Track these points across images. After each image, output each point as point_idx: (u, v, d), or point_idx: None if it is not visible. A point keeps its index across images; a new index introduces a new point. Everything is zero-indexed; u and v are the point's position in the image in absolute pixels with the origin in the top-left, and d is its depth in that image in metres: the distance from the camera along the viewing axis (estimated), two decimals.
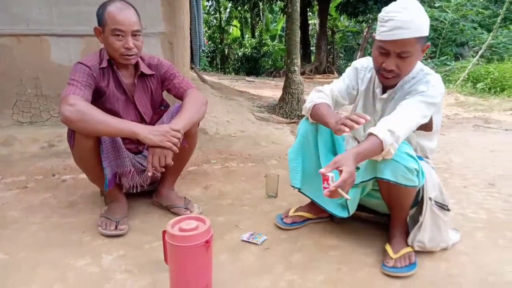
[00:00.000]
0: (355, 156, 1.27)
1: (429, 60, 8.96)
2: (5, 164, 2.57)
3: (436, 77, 1.46)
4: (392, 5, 1.35)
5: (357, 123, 1.32)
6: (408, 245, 1.51)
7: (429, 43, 1.42)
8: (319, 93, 1.64)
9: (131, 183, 1.77)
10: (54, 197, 2.09)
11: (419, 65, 1.49)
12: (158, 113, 1.92)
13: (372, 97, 1.60)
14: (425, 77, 1.44)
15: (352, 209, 1.58)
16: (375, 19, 15.05)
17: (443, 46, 9.19)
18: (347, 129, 1.33)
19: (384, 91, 1.55)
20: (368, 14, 12.77)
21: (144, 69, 1.77)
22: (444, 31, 9.03)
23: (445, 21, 8.85)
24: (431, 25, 9.08)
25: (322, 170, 1.27)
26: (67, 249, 1.57)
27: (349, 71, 1.67)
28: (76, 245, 1.61)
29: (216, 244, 1.57)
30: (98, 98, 1.70)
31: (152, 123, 1.89)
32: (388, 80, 1.45)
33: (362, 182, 1.48)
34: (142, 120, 1.83)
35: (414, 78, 1.47)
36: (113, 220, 1.71)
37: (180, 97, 1.84)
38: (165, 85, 1.87)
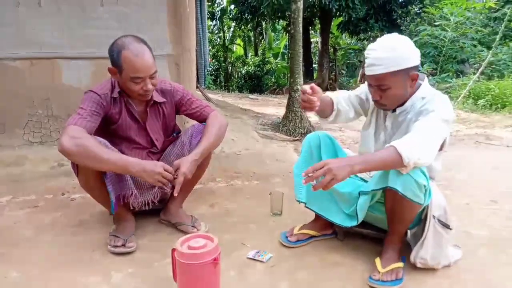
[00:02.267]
0: (350, 162, 1.36)
1: (430, 77, 9.05)
2: (16, 184, 2.63)
3: (445, 97, 1.52)
4: (375, 42, 1.49)
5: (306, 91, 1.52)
6: (399, 262, 1.54)
7: (415, 72, 1.47)
8: (335, 92, 1.82)
9: (140, 201, 1.82)
10: (64, 216, 2.15)
11: (427, 86, 1.56)
12: (170, 140, 1.99)
13: (383, 113, 1.67)
14: (434, 97, 1.50)
15: (361, 216, 1.60)
16: (377, 37, 15.30)
17: (444, 63, 9.29)
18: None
19: (394, 108, 1.61)
20: (369, 32, 13.00)
21: (156, 97, 1.83)
22: (444, 49, 9.15)
23: (445, 39, 8.98)
24: (431, 43, 9.31)
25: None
26: (77, 267, 1.61)
27: (362, 88, 1.78)
28: (86, 263, 1.65)
29: (223, 261, 1.60)
30: (111, 124, 1.77)
31: (164, 148, 1.96)
32: (381, 107, 1.58)
33: (373, 190, 1.52)
34: (153, 146, 1.90)
35: (424, 98, 1.53)
36: (122, 238, 1.75)
37: (201, 121, 1.92)
38: (182, 110, 1.93)
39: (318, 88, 1.56)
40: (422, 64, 9.47)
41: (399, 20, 11.10)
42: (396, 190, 1.40)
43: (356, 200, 1.61)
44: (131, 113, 1.81)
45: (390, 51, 1.43)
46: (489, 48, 8.55)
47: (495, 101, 6.78)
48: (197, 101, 1.95)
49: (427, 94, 1.53)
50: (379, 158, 1.37)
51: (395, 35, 1.49)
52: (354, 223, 1.64)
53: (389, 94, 1.49)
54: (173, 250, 1.31)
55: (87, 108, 1.65)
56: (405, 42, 1.46)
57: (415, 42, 10.25)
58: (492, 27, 9.94)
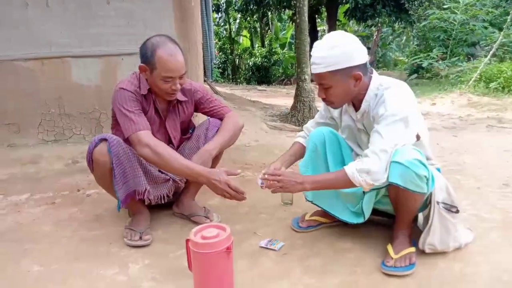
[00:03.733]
0: (302, 181, 1.53)
1: (440, 62, 8.91)
2: (33, 181, 2.71)
3: (393, 91, 1.47)
4: (321, 39, 1.51)
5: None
6: (410, 246, 1.55)
7: (358, 72, 1.46)
8: (302, 132, 1.92)
9: (155, 195, 1.87)
10: (81, 211, 2.21)
11: (378, 80, 1.54)
12: (186, 137, 2.04)
13: (351, 118, 1.69)
14: (382, 96, 1.48)
15: (367, 214, 1.64)
16: (384, 23, 15.09)
17: (454, 47, 9.12)
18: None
19: (356, 109, 1.64)
20: (377, 18, 12.81)
21: (179, 96, 1.88)
22: (454, 32, 8.98)
23: (454, 22, 8.81)
24: (441, 27, 9.13)
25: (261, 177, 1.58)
26: (96, 260, 1.66)
27: (323, 104, 1.80)
28: (104, 256, 1.71)
29: (235, 251, 1.63)
30: None
31: (178, 144, 2.02)
32: (329, 105, 1.62)
33: (377, 187, 1.53)
34: (170, 143, 1.95)
35: (377, 95, 1.52)
36: (138, 231, 1.80)
37: (218, 119, 1.98)
38: (200, 108, 1.99)
39: (277, 167, 1.71)
40: (432, 48, 9.33)
41: (407, 5, 10.90)
42: (397, 184, 1.41)
43: (361, 198, 1.64)
44: (156, 110, 1.86)
45: (329, 50, 1.44)
46: (500, 29, 8.35)
47: (507, 83, 6.65)
48: (216, 100, 2.01)
49: (379, 90, 1.51)
50: (329, 180, 1.52)
51: (340, 33, 1.49)
52: (361, 220, 1.67)
53: (332, 93, 1.51)
54: (187, 240, 1.35)
55: (134, 110, 1.71)
56: (348, 41, 1.45)
57: (423, 26, 10.05)
58: (504, 7, 9.70)
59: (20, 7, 3.02)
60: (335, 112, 1.77)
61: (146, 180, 1.81)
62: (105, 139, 1.69)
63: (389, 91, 1.47)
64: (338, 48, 1.43)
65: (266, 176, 1.58)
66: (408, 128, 1.42)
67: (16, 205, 2.32)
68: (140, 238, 1.77)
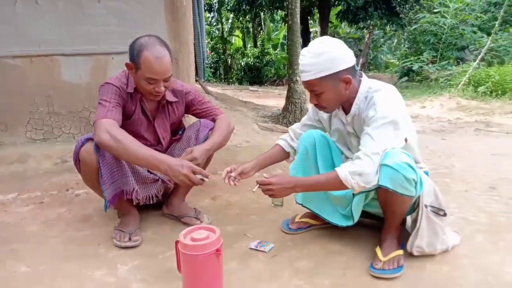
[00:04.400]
0: (293, 185, 1.55)
1: (430, 65, 9.02)
2: (20, 181, 2.67)
3: (382, 94, 1.49)
4: (306, 47, 1.51)
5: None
6: (398, 249, 1.57)
7: (347, 76, 1.48)
8: (286, 134, 1.94)
9: (143, 195, 1.85)
10: (69, 211, 2.18)
11: (367, 83, 1.56)
12: (176, 138, 2.03)
13: (341, 122, 1.70)
14: (372, 98, 1.49)
15: (356, 217, 1.65)
16: (376, 26, 15.23)
17: (443, 50, 9.24)
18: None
19: (345, 112, 1.65)
20: (369, 21, 12.94)
21: (169, 97, 1.87)
22: (444, 36, 9.10)
23: (444, 26, 8.93)
24: (431, 31, 9.25)
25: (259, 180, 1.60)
26: (84, 261, 1.65)
27: (311, 107, 1.82)
28: (92, 256, 1.69)
29: (226, 252, 1.63)
30: (124, 119, 1.79)
31: (168, 145, 2.01)
32: (322, 110, 1.63)
33: (366, 190, 1.54)
34: (159, 144, 1.93)
35: (366, 97, 1.53)
36: (127, 232, 1.79)
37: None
38: (191, 110, 1.98)
39: (246, 170, 1.76)
40: (422, 52, 9.44)
41: (398, 8, 11.02)
42: (386, 187, 1.42)
43: (351, 201, 1.65)
44: (143, 109, 1.85)
45: (316, 57, 1.45)
46: (489, 34, 8.50)
47: (495, 87, 6.77)
48: (207, 102, 2.01)
49: (368, 92, 1.53)
50: (321, 182, 1.52)
51: (325, 39, 1.50)
52: (350, 223, 1.68)
53: (324, 98, 1.53)
54: (177, 242, 1.35)
55: (111, 100, 1.68)
56: (334, 46, 1.47)
57: (414, 29, 10.18)
58: (492, 12, 9.87)
59: (8, 4, 2.96)
60: (324, 115, 1.78)
61: (134, 179, 1.80)
62: (91, 139, 1.67)
63: (378, 94, 1.49)
64: (325, 54, 1.44)
65: (257, 185, 1.61)
66: (398, 130, 1.44)
67: (3, 205, 2.29)
68: (129, 239, 1.76)
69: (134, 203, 1.87)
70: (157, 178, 1.91)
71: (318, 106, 1.59)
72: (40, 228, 1.98)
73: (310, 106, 1.83)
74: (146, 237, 1.85)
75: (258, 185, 1.60)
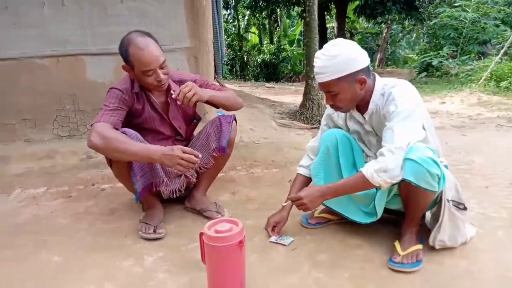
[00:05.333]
0: (322, 194, 1.60)
1: (450, 60, 8.84)
2: (49, 176, 2.79)
3: (399, 88, 1.52)
4: (321, 49, 1.54)
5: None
6: (417, 243, 1.58)
7: (362, 76, 1.51)
8: (304, 158, 1.94)
9: (169, 189, 1.92)
10: (96, 205, 2.28)
11: (381, 81, 1.59)
12: (191, 127, 2.08)
13: (358, 123, 1.73)
14: (390, 94, 1.52)
15: (380, 212, 1.66)
16: (394, 20, 14.98)
17: (464, 45, 9.03)
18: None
19: (361, 112, 1.68)
20: (387, 15, 12.73)
21: (174, 87, 1.92)
22: (465, 30, 8.88)
23: (465, 20, 8.72)
24: (451, 25, 9.05)
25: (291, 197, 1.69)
26: (112, 252, 1.73)
27: (324, 117, 1.89)
28: (119, 248, 1.77)
29: (247, 245, 1.68)
30: (136, 118, 1.87)
31: (188, 136, 2.07)
32: (338, 110, 1.66)
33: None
34: (177, 134, 2.00)
35: (383, 94, 1.56)
36: (152, 224, 1.86)
37: None
38: None
39: (279, 221, 1.82)
40: (442, 46, 9.25)
41: (417, 2, 10.81)
42: (409, 181, 1.44)
43: (373, 198, 1.67)
44: (153, 105, 1.91)
45: (331, 59, 1.48)
46: None
47: None
48: (214, 84, 2.04)
49: (384, 89, 1.56)
50: (349, 185, 1.56)
51: (338, 42, 1.53)
52: (373, 219, 1.70)
53: (340, 99, 1.56)
54: (201, 234, 1.40)
55: (110, 105, 1.76)
56: (348, 48, 1.50)
57: (434, 24, 9.94)
58: None
59: (36, 7, 3.10)
60: (340, 120, 1.81)
61: (163, 172, 1.86)
62: (123, 133, 1.73)
63: (396, 89, 1.52)
64: (339, 56, 1.48)
65: (288, 201, 1.72)
66: (419, 122, 1.47)
67: (34, 198, 2.41)
68: (154, 231, 1.83)
69: (163, 197, 1.94)
70: (180, 173, 1.98)
71: (334, 106, 1.62)
72: (70, 221, 2.08)
73: (322, 119, 1.90)
74: (169, 229, 1.92)
75: (290, 201, 1.71)
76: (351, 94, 1.55)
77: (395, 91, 1.51)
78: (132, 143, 1.65)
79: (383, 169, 1.43)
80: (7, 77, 3.20)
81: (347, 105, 1.61)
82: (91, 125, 1.69)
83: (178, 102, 1.74)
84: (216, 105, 1.92)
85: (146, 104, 1.89)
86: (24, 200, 2.39)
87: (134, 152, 1.62)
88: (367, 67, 1.54)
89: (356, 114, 1.70)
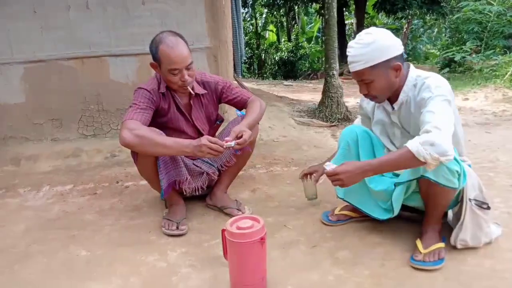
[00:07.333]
0: (362, 171, 1.48)
1: (473, 55, 8.60)
2: (75, 173, 2.90)
3: (433, 78, 1.52)
4: (355, 38, 1.55)
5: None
6: (439, 242, 1.57)
7: (397, 63, 1.51)
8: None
9: (192, 186, 1.97)
10: (121, 201, 2.36)
11: (415, 71, 1.58)
12: (214, 128, 2.12)
13: (385, 113, 1.72)
14: (423, 83, 1.51)
15: (397, 209, 1.66)
16: (415, 15, 14.65)
17: (489, 39, 8.75)
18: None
19: (391, 102, 1.66)
20: (407, 10, 12.46)
21: (198, 89, 1.97)
22: (489, 24, 8.62)
23: (490, 13, 8.45)
24: (475, 19, 8.79)
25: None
26: (137, 247, 1.79)
27: (359, 106, 1.91)
28: (144, 243, 1.83)
29: (267, 242, 1.72)
30: (162, 117, 1.93)
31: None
32: (373, 100, 1.65)
33: (408, 180, 1.55)
34: (200, 135, 2.04)
35: (416, 85, 1.55)
36: (174, 221, 1.92)
37: (242, 105, 2.06)
38: (223, 98, 2.06)
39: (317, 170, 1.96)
40: (465, 41, 9.01)
41: None
42: (428, 178, 1.43)
43: (392, 195, 1.66)
44: (178, 106, 1.96)
45: (365, 47, 1.48)
46: None
47: None
48: (237, 88, 2.08)
49: (417, 80, 1.55)
50: (392, 160, 1.44)
51: (372, 30, 1.53)
52: (390, 215, 1.69)
53: (374, 87, 1.55)
54: (223, 230, 1.44)
55: (140, 103, 1.81)
56: (382, 35, 1.50)
57: (457, 18, 9.65)
58: None
59: (62, 10, 3.21)
60: (369, 107, 1.81)
61: (187, 170, 1.91)
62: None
63: (430, 79, 1.51)
64: (374, 43, 1.48)
65: (323, 176, 1.73)
66: (452, 111, 1.45)
67: (62, 195, 2.50)
68: (177, 227, 1.89)
69: (185, 194, 1.99)
70: (202, 171, 2.03)
71: (369, 95, 1.61)
72: (96, 217, 2.15)
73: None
74: (192, 226, 1.97)
75: (324, 176, 1.66)
76: (386, 82, 1.54)
77: (429, 81, 1.50)
78: (164, 138, 1.72)
79: (429, 142, 1.32)
80: (38, 78, 3.34)
81: (382, 94, 1.59)
82: (122, 123, 1.75)
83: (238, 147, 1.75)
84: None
85: (171, 104, 1.94)
86: (53, 197, 2.49)
87: (170, 145, 1.68)
88: (401, 55, 1.53)
89: (385, 102, 1.69)
